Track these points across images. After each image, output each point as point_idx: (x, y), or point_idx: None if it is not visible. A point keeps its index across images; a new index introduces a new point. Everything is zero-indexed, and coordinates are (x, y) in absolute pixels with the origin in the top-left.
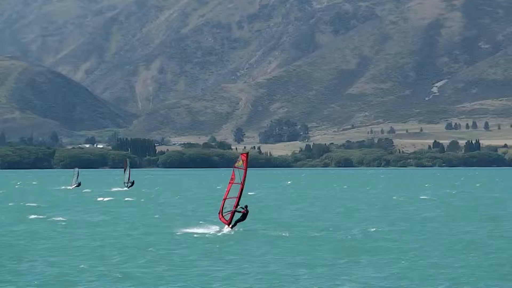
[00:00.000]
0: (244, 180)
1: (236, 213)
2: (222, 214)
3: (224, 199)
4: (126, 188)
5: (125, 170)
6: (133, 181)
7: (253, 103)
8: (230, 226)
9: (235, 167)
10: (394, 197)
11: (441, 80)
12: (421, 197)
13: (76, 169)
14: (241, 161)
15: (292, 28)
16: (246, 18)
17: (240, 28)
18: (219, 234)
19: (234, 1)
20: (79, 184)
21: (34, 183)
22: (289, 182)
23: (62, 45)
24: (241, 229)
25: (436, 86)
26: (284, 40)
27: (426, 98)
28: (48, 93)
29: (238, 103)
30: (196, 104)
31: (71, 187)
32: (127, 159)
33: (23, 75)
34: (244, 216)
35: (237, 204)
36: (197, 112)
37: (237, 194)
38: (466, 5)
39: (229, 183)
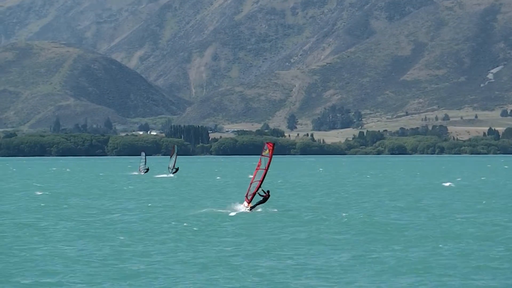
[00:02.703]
0: (268, 166)
1: (257, 195)
2: (247, 196)
3: (251, 183)
4: (171, 175)
5: (171, 156)
6: (178, 167)
7: (307, 90)
8: (250, 205)
9: (262, 155)
10: None
11: (497, 66)
12: None
13: (143, 154)
14: (267, 149)
15: (347, 14)
16: (300, 4)
17: (294, 15)
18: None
19: None
20: (147, 170)
21: (101, 174)
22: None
23: (117, 32)
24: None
25: (492, 73)
26: (338, 27)
27: (482, 85)
28: (102, 80)
29: (291, 90)
30: (250, 91)
31: (141, 173)
32: (175, 145)
33: (77, 62)
34: (265, 199)
35: (259, 187)
36: (251, 99)
37: (260, 178)
38: None
39: (256, 169)
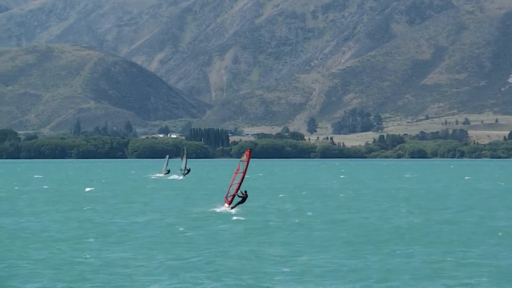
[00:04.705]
0: (245, 170)
1: (236, 196)
2: (227, 197)
3: (230, 185)
4: (182, 177)
5: (182, 158)
6: (189, 168)
7: (327, 93)
8: (230, 206)
9: (241, 160)
10: None
11: None
12: None
13: (167, 157)
14: (245, 155)
15: (367, 18)
16: (320, 8)
17: (315, 18)
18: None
19: None
20: (168, 172)
21: (133, 172)
22: None
23: (137, 35)
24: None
25: None
26: (358, 30)
27: (502, 89)
28: (123, 83)
29: (311, 94)
30: (270, 94)
31: (162, 175)
32: (184, 147)
33: (98, 65)
34: (243, 200)
35: (238, 189)
36: (271, 103)
37: (239, 181)
38: None
39: (235, 173)
